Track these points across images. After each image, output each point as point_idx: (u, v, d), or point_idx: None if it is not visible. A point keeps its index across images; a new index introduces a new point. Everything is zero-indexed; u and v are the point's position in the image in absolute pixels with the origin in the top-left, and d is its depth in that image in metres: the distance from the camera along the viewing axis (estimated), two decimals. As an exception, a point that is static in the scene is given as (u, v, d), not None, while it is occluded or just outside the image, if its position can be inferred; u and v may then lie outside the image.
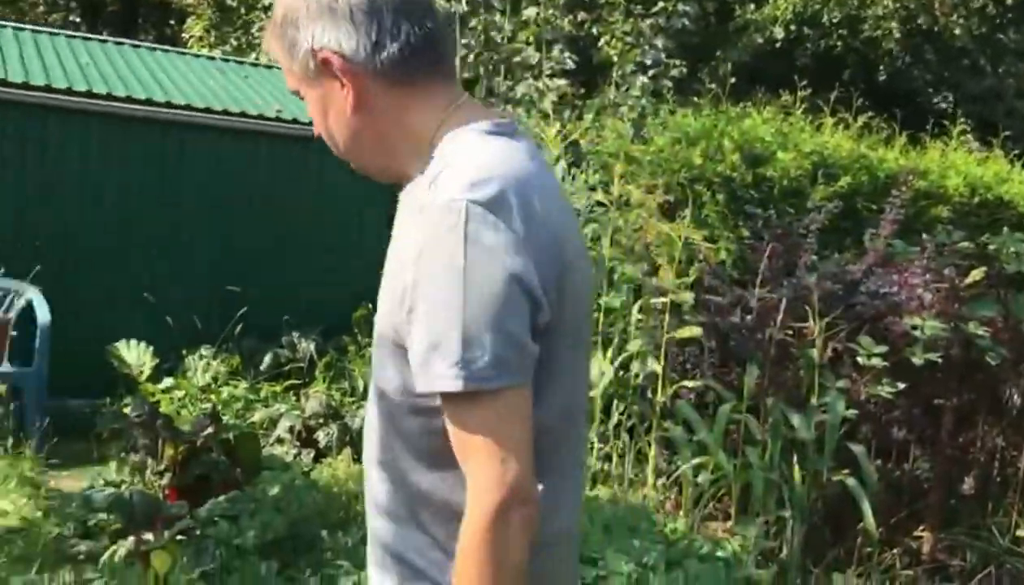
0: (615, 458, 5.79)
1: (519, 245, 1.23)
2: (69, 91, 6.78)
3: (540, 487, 1.26)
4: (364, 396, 6.43)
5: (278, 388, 6.35)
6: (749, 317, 5.28)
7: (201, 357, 6.40)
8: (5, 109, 6.57)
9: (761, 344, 5.18)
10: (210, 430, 4.26)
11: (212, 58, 9.00)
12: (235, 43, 14.86)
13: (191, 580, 3.31)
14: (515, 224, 1.23)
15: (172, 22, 18.20)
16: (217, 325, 6.93)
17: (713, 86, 8.42)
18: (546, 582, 1.35)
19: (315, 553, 3.57)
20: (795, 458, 5.06)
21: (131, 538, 4.01)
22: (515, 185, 1.27)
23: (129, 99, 6.92)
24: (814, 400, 4.99)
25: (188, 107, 7.04)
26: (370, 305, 7.32)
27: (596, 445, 5.85)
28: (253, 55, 12.58)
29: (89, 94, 6.85)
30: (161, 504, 3.93)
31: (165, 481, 4.17)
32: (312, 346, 6.75)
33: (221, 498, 3.94)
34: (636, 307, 5.76)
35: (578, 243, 1.41)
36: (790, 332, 5.19)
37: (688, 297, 5.76)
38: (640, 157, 6.16)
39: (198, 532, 3.67)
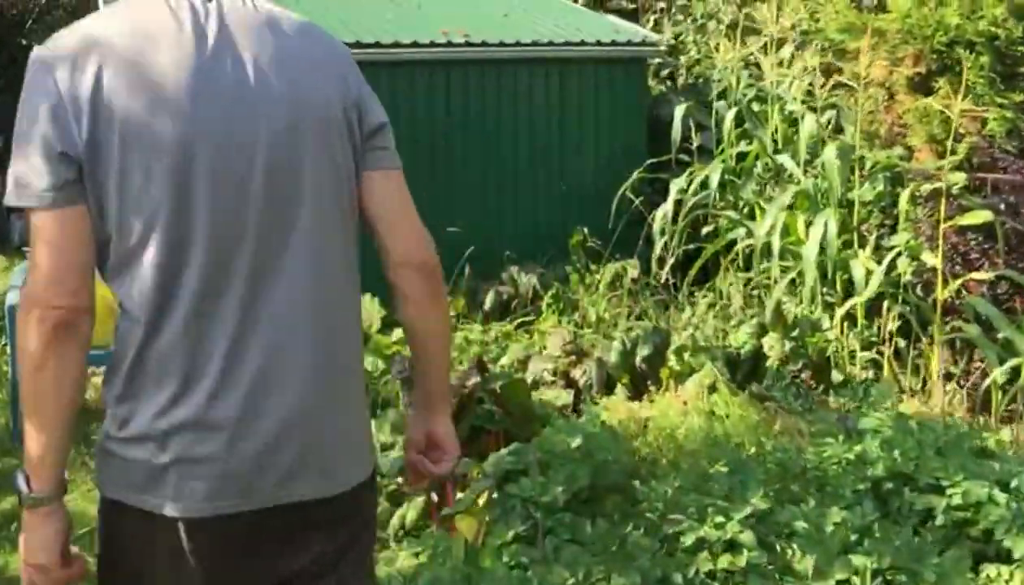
0: (886, 364, 5.22)
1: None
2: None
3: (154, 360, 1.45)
4: (598, 328, 6.07)
5: (508, 327, 6.07)
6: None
7: (426, 304, 6.17)
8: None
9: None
10: (477, 379, 3.97)
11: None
12: None
13: (505, 544, 3.03)
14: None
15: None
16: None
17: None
18: (187, 471, 1.45)
19: (626, 505, 3.23)
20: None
21: (416, 500, 3.80)
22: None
23: None
24: None
25: (396, 44, 6.72)
26: (586, 230, 6.96)
27: (859, 352, 5.31)
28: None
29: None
30: (445, 463, 3.67)
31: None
32: (535, 280, 6.42)
33: (503, 451, 3.65)
34: (906, 195, 5.11)
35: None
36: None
37: (960, 178, 5.07)
38: (884, 26, 5.43)
39: (495, 493, 3.39)
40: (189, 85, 1.43)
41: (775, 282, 5.64)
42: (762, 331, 5.13)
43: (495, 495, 3.46)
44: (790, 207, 5.77)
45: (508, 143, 7.11)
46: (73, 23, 1.51)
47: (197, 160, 1.43)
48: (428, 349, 1.70)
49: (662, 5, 8.96)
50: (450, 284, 6.59)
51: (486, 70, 6.97)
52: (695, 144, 7.03)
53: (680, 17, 8.76)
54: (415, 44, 6.68)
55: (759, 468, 3.46)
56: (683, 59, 7.91)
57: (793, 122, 6.19)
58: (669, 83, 7.99)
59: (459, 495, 3.62)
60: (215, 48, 1.45)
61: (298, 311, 1.49)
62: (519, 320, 6.15)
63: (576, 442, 3.21)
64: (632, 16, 9.09)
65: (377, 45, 6.58)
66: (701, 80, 7.78)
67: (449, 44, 6.77)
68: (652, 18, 9.24)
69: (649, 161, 7.07)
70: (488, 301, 6.38)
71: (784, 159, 6.07)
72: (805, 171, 5.83)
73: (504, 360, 5.07)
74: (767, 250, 5.76)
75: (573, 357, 4.81)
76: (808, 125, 5.71)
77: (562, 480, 3.22)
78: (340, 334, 1.57)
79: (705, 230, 6.55)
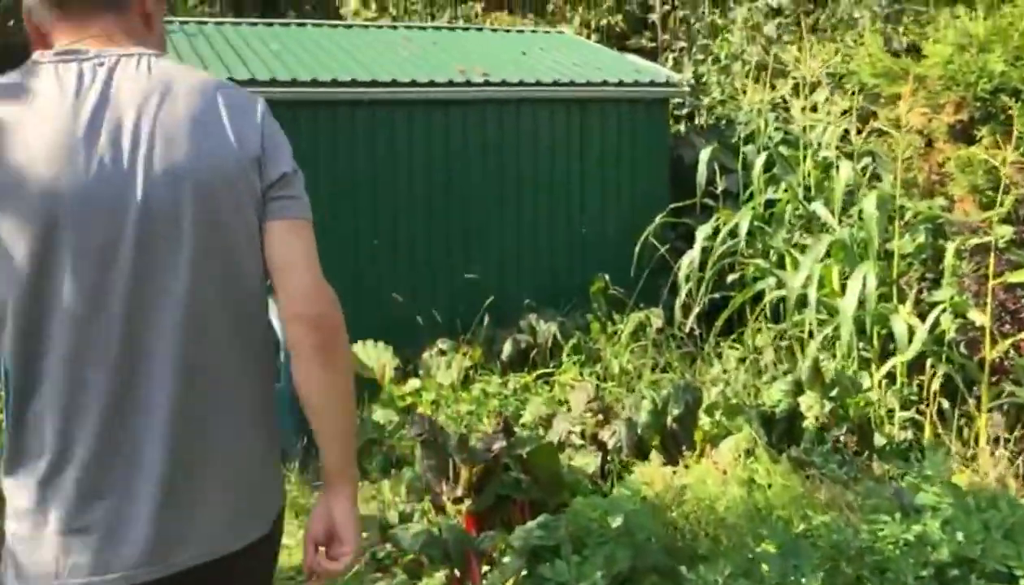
0: (927, 426, 4.94)
1: None
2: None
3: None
4: (621, 380, 5.80)
5: (528, 378, 5.81)
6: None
7: (441, 353, 5.92)
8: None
9: None
10: (503, 443, 3.70)
11: (394, 28, 8.51)
12: (393, 11, 14.48)
13: (538, 635, 2.75)
14: None
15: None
16: (446, 314, 6.47)
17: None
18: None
19: (672, 592, 2.95)
20: None
21: (437, 575, 3.52)
22: None
23: (352, 82, 6.41)
24: None
25: (413, 83, 6.51)
26: (607, 277, 6.71)
27: (898, 411, 5.04)
28: (408, 19, 12.07)
29: (314, 83, 6.38)
30: (469, 536, 3.40)
31: (461, 505, 3.64)
32: (554, 328, 6.17)
33: (531, 524, 3.37)
34: (952, 249, 4.85)
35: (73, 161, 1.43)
36: None
37: (1007, 231, 4.83)
38: (923, 72, 5.21)
39: (524, 570, 3.11)
40: (58, 157, 1.42)
41: (810, 336, 5.38)
42: (798, 389, 4.85)
43: (524, 572, 3.18)
44: (825, 257, 5.51)
45: (527, 186, 6.89)
46: None
47: (60, 233, 1.41)
48: (319, 416, 1.57)
49: (683, 44, 8.78)
50: (469, 333, 6.34)
51: (505, 110, 6.76)
52: (719, 188, 6.81)
53: (700, 56, 8.58)
54: (432, 83, 6.48)
55: (812, 550, 3.18)
56: (705, 100, 7.70)
57: (826, 168, 5.95)
58: (688, 123, 7.78)
59: (484, 568, 3.35)
60: (91, 118, 1.44)
61: (166, 390, 1.46)
62: (540, 373, 5.88)
63: (617, 522, 2.93)
64: (651, 55, 8.92)
65: (394, 84, 6.38)
66: (724, 122, 7.57)
67: (468, 83, 6.57)
68: (671, 57, 9.06)
69: (672, 205, 6.84)
70: (506, 351, 6.12)
71: (817, 207, 5.83)
72: (840, 220, 5.59)
73: (526, 416, 4.80)
74: (800, 302, 5.50)
75: (600, 416, 4.53)
76: (844, 172, 5.47)
77: (600, 563, 2.94)
78: (219, 408, 1.52)
79: (730, 278, 6.31)
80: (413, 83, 6.40)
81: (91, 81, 1.47)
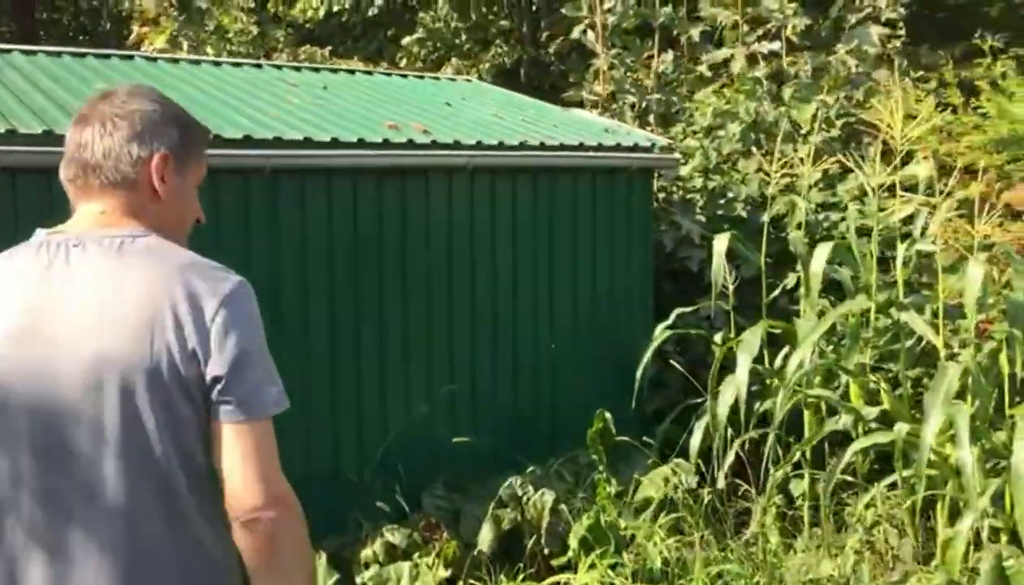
0: None
1: None
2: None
3: None
4: (665, 578, 3.94)
5: (532, 588, 3.83)
6: None
7: (391, 549, 3.85)
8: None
9: None
10: None
11: (258, 65, 6.32)
12: (211, 50, 12.28)
13: None
14: None
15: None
16: (372, 476, 4.44)
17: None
18: None
19: None
20: None
21: None
22: None
23: (247, 141, 4.22)
24: None
25: (335, 143, 4.41)
26: (608, 415, 4.86)
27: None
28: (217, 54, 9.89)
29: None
30: None
31: None
32: (549, 499, 4.23)
33: None
34: None
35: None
36: None
37: None
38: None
39: None
40: (5, 338, 1.53)
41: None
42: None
43: None
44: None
45: (483, 285, 4.96)
46: None
47: None
48: None
49: (633, 100, 7.13)
50: (418, 507, 4.32)
51: (455, 180, 4.83)
52: (730, 283, 5.13)
53: (662, 112, 6.97)
54: (362, 143, 4.46)
55: None
56: (689, 167, 6.04)
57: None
58: (662, 196, 6.10)
59: None
60: (38, 302, 1.54)
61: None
62: (550, 581, 3.90)
63: None
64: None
65: (308, 144, 4.32)
66: (728, 197, 5.92)
67: (411, 144, 4.61)
68: (608, 116, 7.39)
69: (679, 310, 5.11)
70: (484, 538, 4.11)
71: (910, 317, 4.24)
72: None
73: None
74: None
75: None
76: (976, 273, 3.89)
77: None
78: None
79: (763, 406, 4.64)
80: (335, 143, 4.36)
81: (63, 260, 1.55)
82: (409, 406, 4.68)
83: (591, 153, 5.25)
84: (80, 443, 1.49)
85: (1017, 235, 4.43)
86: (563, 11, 7.60)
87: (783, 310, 5.35)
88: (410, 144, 4.60)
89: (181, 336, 1.49)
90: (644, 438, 4.98)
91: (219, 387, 1.52)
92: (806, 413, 4.78)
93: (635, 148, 5.46)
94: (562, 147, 5.14)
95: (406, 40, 12.79)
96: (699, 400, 5.06)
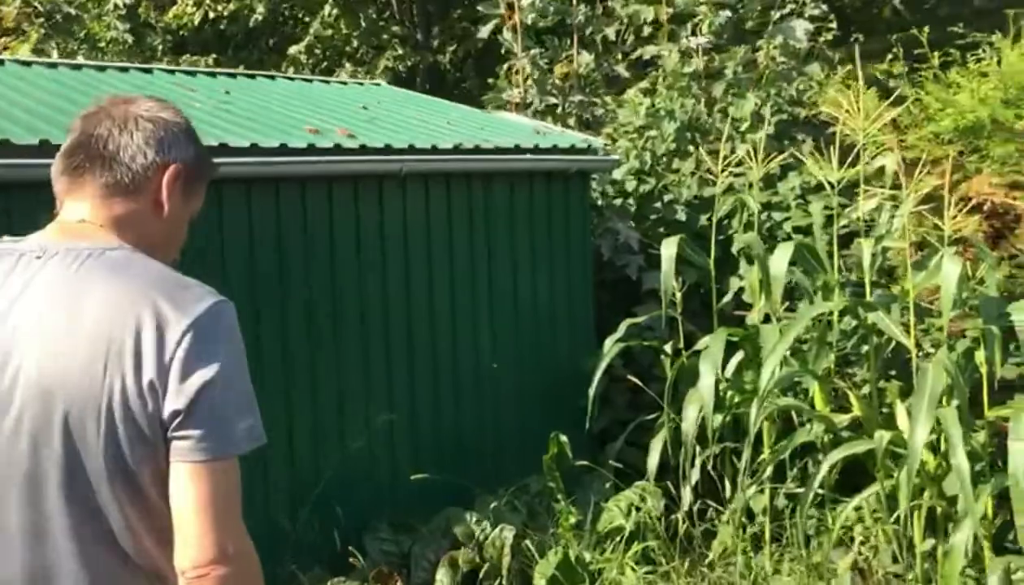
0: None
1: None
2: None
3: None
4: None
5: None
6: None
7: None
8: None
9: None
10: None
11: (147, 71, 5.72)
12: (82, 57, 11.49)
13: None
14: None
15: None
16: (298, 518, 3.97)
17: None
18: None
19: None
20: None
21: None
22: None
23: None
24: None
25: (255, 149, 3.91)
26: (563, 438, 4.49)
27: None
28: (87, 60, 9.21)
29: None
30: None
31: None
32: (509, 536, 3.82)
33: None
34: None
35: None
36: None
37: None
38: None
39: None
40: None
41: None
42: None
43: None
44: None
45: (418, 300, 4.53)
46: None
47: None
48: None
49: (552, 100, 6.81)
50: (360, 550, 3.86)
51: (386, 187, 4.40)
52: (677, 291, 4.86)
53: (587, 116, 6.67)
54: (285, 149, 3.98)
55: None
56: (623, 169, 5.74)
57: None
58: (600, 200, 5.78)
59: None
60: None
61: None
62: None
63: None
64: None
65: (224, 150, 3.80)
66: (664, 200, 5.64)
67: (339, 149, 4.15)
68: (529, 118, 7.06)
69: (628, 322, 4.79)
70: (441, 580, 3.68)
71: (878, 318, 4.04)
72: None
73: None
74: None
75: None
76: (952, 270, 3.69)
77: None
78: None
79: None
80: (255, 149, 3.86)
81: (25, 272, 1.45)
82: (344, 439, 4.21)
83: (529, 155, 4.90)
84: (20, 488, 1.38)
85: (976, 228, 4.29)
86: (479, 8, 7.23)
87: (730, 316, 5.10)
88: (338, 149, 4.14)
89: (138, 367, 1.35)
90: (596, 459, 4.65)
91: (177, 422, 1.37)
92: (766, 424, 4.53)
93: (572, 150, 5.13)
94: (498, 150, 4.77)
95: (292, 49, 12.21)
96: (651, 416, 4.77)
